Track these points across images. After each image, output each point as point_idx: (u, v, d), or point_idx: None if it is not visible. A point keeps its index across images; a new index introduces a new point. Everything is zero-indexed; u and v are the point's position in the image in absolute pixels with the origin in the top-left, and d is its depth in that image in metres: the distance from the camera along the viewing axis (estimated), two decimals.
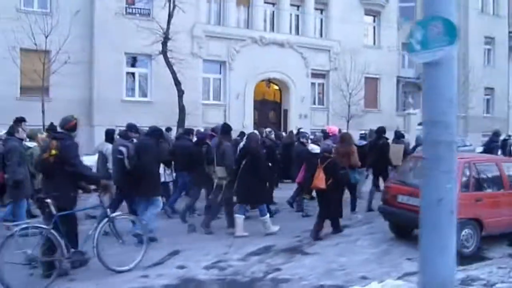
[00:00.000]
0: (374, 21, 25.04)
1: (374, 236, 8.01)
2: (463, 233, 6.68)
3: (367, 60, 23.58)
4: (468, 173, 7.06)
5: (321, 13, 23.23)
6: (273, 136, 13.42)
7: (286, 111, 22.13)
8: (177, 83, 16.16)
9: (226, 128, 9.02)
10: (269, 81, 21.90)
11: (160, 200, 7.85)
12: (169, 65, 15.97)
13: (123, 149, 8.46)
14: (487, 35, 30.01)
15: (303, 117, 21.86)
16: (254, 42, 20.71)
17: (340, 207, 8.13)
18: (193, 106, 19.12)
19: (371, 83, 24.42)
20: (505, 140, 18.36)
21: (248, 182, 7.88)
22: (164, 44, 15.83)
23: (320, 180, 8.24)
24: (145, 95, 19.21)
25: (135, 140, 8.68)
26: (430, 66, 3.90)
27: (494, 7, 30.86)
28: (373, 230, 8.41)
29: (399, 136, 13.53)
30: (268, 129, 14.59)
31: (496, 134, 15.16)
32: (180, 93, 16.29)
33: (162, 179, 9.71)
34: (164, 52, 15.82)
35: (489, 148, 14.48)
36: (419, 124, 27.39)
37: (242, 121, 20.17)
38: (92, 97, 18.24)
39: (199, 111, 19.47)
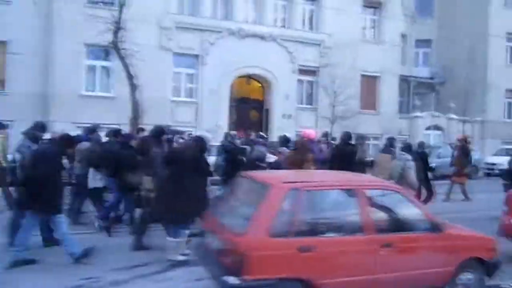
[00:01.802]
0: (374, 13, 23.46)
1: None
2: None
3: (365, 56, 22.19)
4: (291, 207, 4.59)
5: (312, 4, 21.87)
6: (238, 140, 12.39)
7: (267, 111, 20.88)
8: (130, 76, 15.21)
9: (157, 131, 8.11)
10: (249, 77, 20.70)
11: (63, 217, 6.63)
12: (121, 57, 15.04)
13: (17, 155, 7.67)
14: (511, 31, 27.85)
15: (286, 118, 20.54)
16: (231, 34, 19.55)
17: None
18: (160, 103, 18.24)
19: (369, 82, 22.87)
20: None
21: (170, 196, 6.28)
22: (115, 34, 14.93)
23: None
24: (107, 90, 18.38)
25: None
26: None
27: None
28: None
29: (390, 144, 12.21)
30: (233, 132, 13.67)
31: None
32: (134, 87, 15.32)
33: (92, 185, 8.84)
34: (114, 42, 14.91)
35: None
36: (427, 128, 25.75)
37: (216, 120, 19.08)
38: (49, 91, 17.56)
39: (167, 108, 18.54)
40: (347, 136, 10.45)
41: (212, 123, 18.71)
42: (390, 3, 23.28)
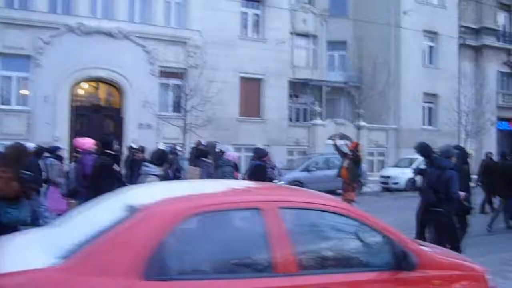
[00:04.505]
0: (257, 8, 22.04)
1: None
2: None
3: (245, 57, 20.75)
4: None
5: None
6: None
7: (121, 120, 19.07)
8: None
9: None
10: (98, 81, 18.92)
11: None
12: None
13: None
14: (428, 29, 26.77)
15: (145, 127, 18.80)
16: (70, 31, 17.84)
17: None
18: None
19: (250, 85, 21.31)
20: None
21: None
22: None
23: None
24: None
25: None
26: None
27: None
28: None
29: (200, 154, 10.51)
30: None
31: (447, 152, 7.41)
32: None
33: None
34: None
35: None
36: (330, 138, 24.21)
37: (52, 132, 17.22)
38: None
39: None
40: (104, 143, 8.60)
41: (49, 135, 16.87)
42: None
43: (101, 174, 7.70)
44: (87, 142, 8.81)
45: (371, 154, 25.42)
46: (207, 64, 18.95)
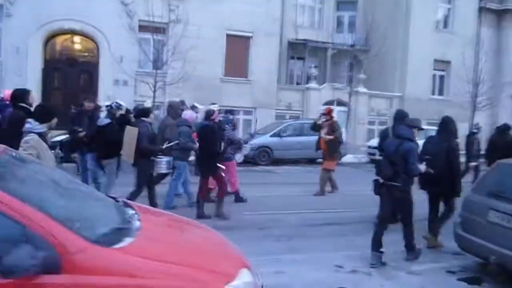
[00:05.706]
0: None
1: None
2: None
3: (231, 12, 20.05)
4: None
5: None
6: None
7: (98, 75, 18.78)
8: None
9: None
10: (72, 33, 18.58)
11: None
12: None
13: None
14: None
15: (121, 84, 18.48)
16: None
17: None
18: None
19: (237, 44, 20.61)
20: (470, 135, 14.37)
21: None
22: None
23: None
24: None
25: None
26: None
27: None
28: None
29: (140, 114, 9.88)
30: None
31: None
32: None
33: None
34: None
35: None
36: (327, 103, 23.35)
37: (23, 85, 17.05)
38: None
39: None
40: (16, 95, 8.20)
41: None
42: None
43: (11, 129, 7.37)
44: (8, 94, 8.45)
45: (372, 123, 24.47)
46: (190, 19, 18.43)
